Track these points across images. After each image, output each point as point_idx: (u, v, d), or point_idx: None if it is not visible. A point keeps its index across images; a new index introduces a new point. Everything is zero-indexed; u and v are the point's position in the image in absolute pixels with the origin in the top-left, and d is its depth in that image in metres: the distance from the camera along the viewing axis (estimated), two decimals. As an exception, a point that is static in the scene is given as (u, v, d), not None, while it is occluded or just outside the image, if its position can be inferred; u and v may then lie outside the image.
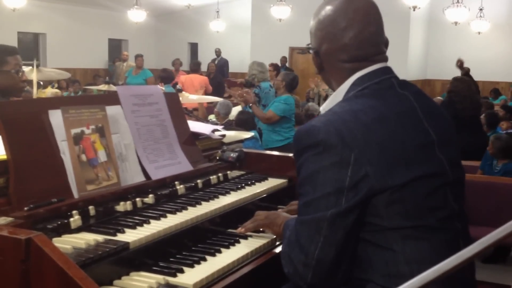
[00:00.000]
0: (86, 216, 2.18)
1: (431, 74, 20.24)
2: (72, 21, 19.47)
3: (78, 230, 2.09)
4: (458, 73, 14.12)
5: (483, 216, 5.00)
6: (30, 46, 19.26)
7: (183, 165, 2.82)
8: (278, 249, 2.29)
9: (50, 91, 10.99)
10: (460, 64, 11.51)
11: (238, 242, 2.36)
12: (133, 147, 2.63)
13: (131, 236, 2.07)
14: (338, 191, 1.79)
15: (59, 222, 2.07)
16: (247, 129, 7.11)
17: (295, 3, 17.62)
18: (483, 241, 0.93)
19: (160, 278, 1.93)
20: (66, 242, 1.95)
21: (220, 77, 16.37)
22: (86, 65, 20.15)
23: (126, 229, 2.13)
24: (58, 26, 19.24)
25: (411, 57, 18.36)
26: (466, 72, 10.71)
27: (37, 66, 5.46)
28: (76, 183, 2.28)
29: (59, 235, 2.02)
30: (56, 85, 13.90)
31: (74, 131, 2.33)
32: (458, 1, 16.34)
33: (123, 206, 2.34)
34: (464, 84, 7.75)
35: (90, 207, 2.23)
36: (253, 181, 2.99)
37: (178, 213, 2.38)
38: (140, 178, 2.60)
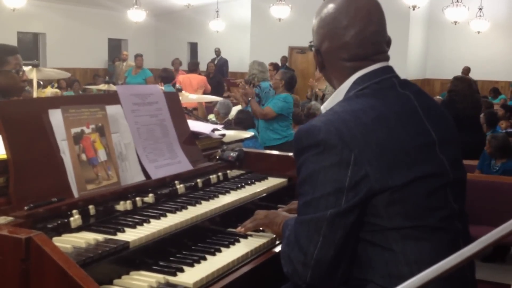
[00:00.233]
0: (86, 215, 2.18)
1: (430, 73, 20.25)
2: (72, 21, 19.46)
3: (78, 229, 2.09)
4: (457, 72, 14.13)
5: (482, 215, 4.99)
6: (30, 46, 19.26)
7: (183, 165, 2.82)
8: (277, 249, 2.30)
9: (50, 91, 10.99)
10: None
11: (238, 241, 2.36)
12: (133, 146, 2.63)
13: (131, 235, 2.07)
14: (338, 191, 1.79)
15: (59, 222, 2.07)
16: (245, 127, 7.11)
17: (295, 3, 17.62)
18: (483, 240, 0.93)
19: (160, 277, 1.94)
20: (66, 242, 1.95)
21: (219, 77, 16.38)
22: (86, 64, 20.15)
23: (126, 229, 2.13)
24: (58, 26, 19.23)
25: (411, 56, 18.36)
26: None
27: (37, 65, 5.45)
28: (76, 183, 2.28)
29: (59, 234, 2.02)
30: (56, 85, 13.90)
31: (74, 130, 2.33)
32: (457, 1, 16.36)
33: (123, 206, 2.34)
34: (465, 83, 7.75)
35: (90, 207, 2.23)
36: (253, 181, 3.00)
37: (178, 212, 2.39)
38: (140, 178, 2.60)
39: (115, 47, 21.94)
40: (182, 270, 2.01)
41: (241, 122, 7.49)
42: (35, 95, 5.44)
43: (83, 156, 2.34)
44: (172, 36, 23.07)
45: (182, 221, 2.29)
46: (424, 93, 2.10)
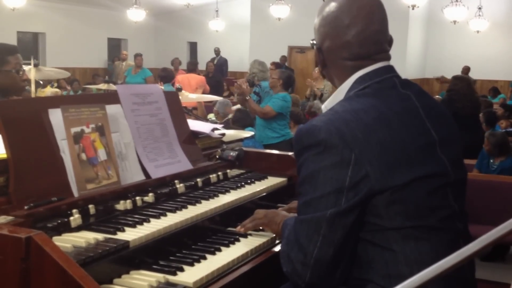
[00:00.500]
0: (86, 215, 2.19)
1: (429, 73, 20.22)
2: (72, 21, 19.46)
3: (78, 228, 2.09)
4: (457, 72, 14.12)
5: (481, 215, 5.00)
6: (30, 46, 19.25)
7: (183, 164, 2.82)
8: (277, 248, 2.30)
9: (49, 90, 10.98)
10: (441, 81, 11.43)
11: (238, 240, 2.37)
12: (133, 146, 2.63)
13: (131, 234, 2.07)
14: (338, 191, 1.79)
15: (59, 221, 2.08)
16: (244, 126, 7.12)
17: (294, 2, 17.61)
18: (483, 239, 0.94)
19: (160, 276, 1.94)
20: (66, 241, 1.95)
21: (219, 76, 16.38)
22: (86, 64, 20.14)
23: (126, 228, 2.13)
24: (58, 26, 19.23)
25: (410, 56, 18.36)
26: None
27: (37, 65, 5.45)
28: (76, 182, 2.28)
29: (59, 233, 2.02)
30: (55, 84, 13.89)
31: (74, 130, 2.33)
32: (457, 0, 16.35)
33: (123, 205, 2.34)
34: (464, 82, 7.76)
35: (90, 206, 2.23)
36: (253, 180, 3.00)
37: (178, 211, 2.39)
38: (140, 177, 2.61)
39: (115, 47, 21.93)
40: (182, 270, 2.01)
41: (239, 120, 7.49)
42: (33, 94, 5.43)
43: (83, 156, 2.34)
44: (172, 36, 23.07)
45: (182, 220, 2.29)
46: (425, 93, 2.10)
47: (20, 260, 1.71)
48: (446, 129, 2.02)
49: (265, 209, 2.46)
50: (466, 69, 16.70)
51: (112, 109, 2.56)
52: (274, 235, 2.40)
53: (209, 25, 21.19)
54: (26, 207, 2.05)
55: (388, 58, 2.05)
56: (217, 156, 3.19)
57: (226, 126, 5.23)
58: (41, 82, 6.61)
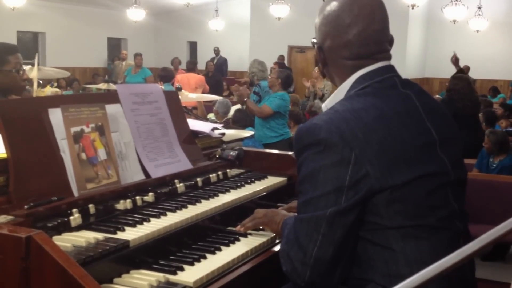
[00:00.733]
0: (86, 214, 2.19)
1: (429, 72, 20.24)
2: (71, 20, 19.45)
3: (78, 228, 2.09)
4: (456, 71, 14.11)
5: (481, 214, 5.00)
6: (30, 45, 19.25)
7: (183, 164, 2.82)
8: (277, 248, 2.30)
9: (49, 90, 10.98)
10: (455, 59, 11.42)
11: (238, 240, 2.37)
12: (133, 145, 2.63)
13: (131, 234, 2.07)
14: (338, 190, 1.79)
15: (59, 220, 2.08)
16: (244, 125, 7.12)
17: (294, 2, 17.61)
18: (483, 238, 0.94)
19: (160, 276, 1.94)
20: (66, 240, 1.95)
21: (219, 76, 16.38)
22: (86, 64, 20.15)
23: (126, 227, 2.13)
24: (58, 25, 19.23)
25: (410, 55, 18.36)
26: (461, 70, 10.58)
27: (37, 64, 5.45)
28: (76, 182, 2.28)
29: (59, 233, 2.03)
30: (55, 84, 13.89)
31: (74, 129, 2.33)
32: (456, 0, 16.36)
33: (123, 205, 2.34)
34: (464, 82, 7.76)
35: (90, 206, 2.23)
36: (253, 179, 3.00)
37: (178, 211, 2.39)
38: (140, 177, 2.61)
39: (115, 46, 21.93)
40: (182, 269, 2.01)
41: (239, 120, 7.49)
42: (35, 87, 5.41)
43: (83, 155, 2.34)
44: (172, 35, 23.07)
45: (182, 220, 2.29)
46: (426, 93, 2.10)
47: (20, 259, 1.71)
48: (446, 129, 2.02)
49: (265, 209, 2.46)
50: (466, 69, 16.69)
51: (112, 109, 2.56)
52: (274, 234, 2.40)
53: (209, 25, 21.19)
54: (26, 207, 2.05)
55: (388, 57, 2.05)
56: (217, 156, 3.19)
57: (226, 126, 5.23)
58: (41, 82, 6.60)
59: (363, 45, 1.99)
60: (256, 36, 20.05)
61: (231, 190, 2.78)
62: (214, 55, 19.61)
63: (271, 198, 2.91)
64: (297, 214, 1.92)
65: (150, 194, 2.48)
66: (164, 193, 2.56)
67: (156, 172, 2.66)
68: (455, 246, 1.84)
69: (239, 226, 2.43)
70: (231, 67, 20.33)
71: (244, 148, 3.33)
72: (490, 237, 0.93)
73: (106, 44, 21.60)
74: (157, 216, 2.29)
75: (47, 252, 1.69)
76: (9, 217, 1.98)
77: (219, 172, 2.97)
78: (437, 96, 12.09)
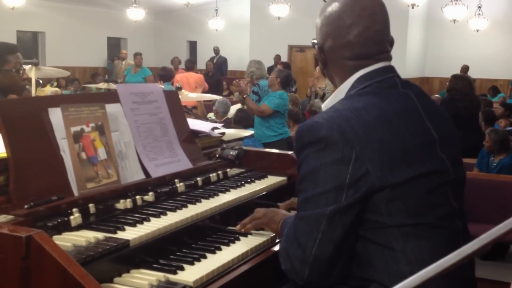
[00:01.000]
0: (86, 214, 2.19)
1: (429, 72, 20.24)
2: (71, 20, 19.45)
3: (78, 227, 2.09)
4: (456, 71, 14.13)
5: (481, 214, 5.01)
6: (29, 45, 19.25)
7: (183, 163, 2.82)
8: (277, 247, 2.29)
9: (49, 90, 10.99)
10: None
11: (238, 239, 2.37)
12: (133, 145, 2.63)
13: (131, 233, 2.07)
14: (338, 188, 1.79)
15: (59, 220, 2.08)
16: (245, 126, 7.12)
17: (294, 2, 17.61)
18: (483, 238, 0.94)
19: (160, 275, 1.94)
20: (67, 240, 1.95)
21: (218, 76, 16.38)
22: (85, 63, 20.15)
23: (126, 227, 2.13)
24: (57, 25, 19.23)
25: (410, 55, 18.36)
26: None
27: (37, 64, 5.45)
28: (76, 181, 2.28)
29: (59, 232, 2.03)
30: (55, 84, 13.89)
31: (74, 129, 2.33)
32: (456, -1, 16.38)
33: (123, 204, 2.34)
34: (464, 81, 7.76)
35: (90, 205, 2.23)
36: (253, 179, 3.00)
37: (178, 210, 2.39)
38: (140, 176, 2.61)
39: (114, 46, 21.93)
40: (182, 268, 2.01)
41: (240, 120, 7.49)
42: (33, 86, 5.41)
43: (83, 155, 2.34)
44: (172, 35, 23.07)
45: (182, 219, 2.29)
46: (425, 94, 2.11)
47: (20, 259, 1.71)
48: (446, 129, 2.03)
49: (265, 208, 2.46)
50: (465, 68, 16.70)
51: (112, 108, 2.56)
52: (274, 234, 2.40)
53: (209, 24, 21.19)
54: (26, 206, 2.04)
55: (389, 58, 2.06)
56: (217, 155, 3.19)
57: (226, 125, 5.23)
58: (41, 82, 6.61)
59: (364, 46, 1.99)
60: (256, 36, 20.06)
61: (231, 190, 2.78)
62: (214, 55, 19.61)
63: (271, 197, 2.91)
64: (297, 212, 1.92)
65: (150, 193, 2.48)
66: (164, 192, 2.56)
67: (156, 172, 2.66)
68: (455, 245, 1.85)
69: (239, 226, 2.43)
70: (231, 66, 20.33)
71: (244, 148, 3.33)
72: (490, 236, 0.93)
73: (106, 44, 21.60)
74: (157, 215, 2.29)
75: (47, 252, 1.69)
76: (9, 217, 1.98)
77: (219, 172, 2.97)
78: (436, 95, 12.08)
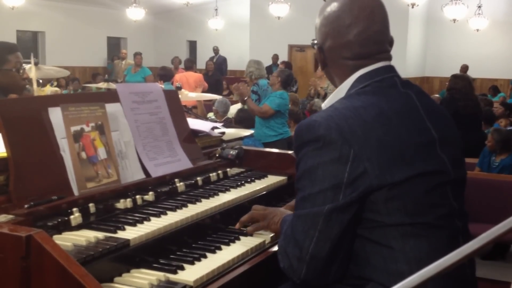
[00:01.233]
0: (86, 213, 2.18)
1: (429, 71, 20.25)
2: (71, 19, 19.46)
3: (78, 227, 2.09)
4: (456, 70, 14.12)
5: (481, 213, 5.01)
6: (29, 45, 19.25)
7: (183, 163, 2.82)
8: (277, 247, 2.29)
9: (49, 89, 10.99)
10: None
11: (238, 239, 2.37)
12: (133, 144, 2.63)
13: (131, 233, 2.07)
14: (336, 186, 1.79)
15: (60, 220, 2.07)
16: (247, 126, 7.12)
17: (293, 1, 17.63)
18: (483, 237, 0.94)
19: (160, 275, 1.94)
20: (67, 239, 1.95)
21: (218, 75, 16.39)
22: (85, 63, 20.15)
23: (126, 226, 2.13)
24: (57, 24, 19.24)
25: (410, 54, 18.37)
26: None
27: (36, 64, 5.44)
28: (76, 181, 2.28)
29: (60, 232, 2.02)
30: (55, 83, 13.89)
31: (74, 128, 2.33)
32: (456, -1, 16.39)
33: (123, 204, 2.34)
34: (465, 81, 7.77)
35: (90, 205, 2.23)
36: (253, 179, 3.00)
37: (178, 210, 2.39)
38: (140, 176, 2.61)
39: (114, 46, 21.95)
40: (182, 268, 2.01)
41: (242, 121, 7.49)
42: (35, 86, 5.40)
43: (83, 154, 2.34)
44: (171, 35, 23.08)
45: (182, 219, 2.29)
46: (425, 94, 2.11)
47: (20, 258, 1.71)
48: (446, 129, 2.03)
49: (263, 206, 2.46)
50: (465, 68, 16.71)
51: (111, 108, 2.56)
52: (274, 234, 2.40)
53: (209, 24, 21.20)
54: (26, 206, 2.04)
55: (389, 58, 2.06)
56: (217, 155, 3.19)
57: (226, 125, 5.23)
58: (41, 81, 6.61)
59: (363, 45, 2.00)
60: (255, 35, 20.07)
61: (231, 189, 2.78)
62: (213, 54, 19.61)
63: (271, 197, 2.91)
64: (295, 210, 1.92)
65: (150, 193, 2.48)
66: (164, 192, 2.56)
67: (156, 171, 2.66)
68: (455, 245, 1.85)
69: (238, 224, 2.43)
70: (231, 66, 20.33)
71: (244, 147, 3.33)
72: (490, 236, 0.93)
73: (106, 43, 21.62)
74: (157, 215, 2.29)
75: (47, 251, 1.69)
76: (9, 216, 1.98)
77: (219, 171, 2.97)
78: (436, 95, 12.08)
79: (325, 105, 2.09)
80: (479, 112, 7.80)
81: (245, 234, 2.41)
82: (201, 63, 19.23)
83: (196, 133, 3.15)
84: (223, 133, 3.43)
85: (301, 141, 1.89)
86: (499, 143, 6.27)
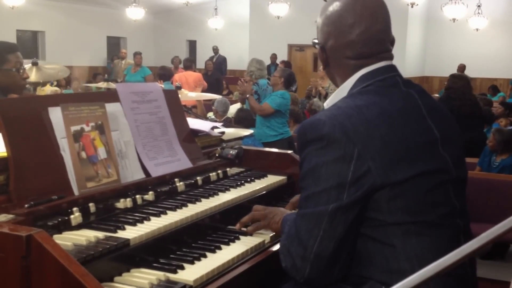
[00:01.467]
0: (86, 213, 2.19)
1: (429, 71, 20.26)
2: (71, 19, 19.46)
3: (78, 227, 2.09)
4: (455, 70, 14.12)
5: (482, 213, 5.01)
6: (29, 44, 19.25)
7: (183, 162, 2.83)
8: (277, 246, 2.29)
9: (49, 89, 10.99)
10: None
11: (238, 239, 2.37)
12: (133, 144, 2.63)
13: (131, 233, 2.08)
14: (340, 185, 1.79)
15: (60, 219, 2.08)
16: (246, 126, 7.12)
17: (293, 1, 17.62)
18: (483, 237, 0.94)
19: (160, 274, 1.94)
20: (67, 239, 1.95)
21: (218, 75, 16.39)
22: (85, 62, 20.14)
23: (126, 226, 2.13)
24: (57, 24, 19.24)
25: (409, 54, 18.37)
26: None
27: (36, 63, 5.44)
28: (76, 180, 2.28)
29: (60, 232, 2.03)
30: (55, 83, 13.88)
31: (74, 128, 2.33)
32: (456, -2, 16.39)
33: (123, 203, 2.34)
34: (463, 80, 7.77)
35: (91, 204, 2.23)
36: (253, 178, 3.00)
37: (178, 210, 2.39)
38: (140, 175, 2.61)
39: (114, 45, 21.94)
40: (182, 268, 2.02)
41: (241, 121, 7.49)
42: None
43: (83, 154, 2.34)
44: (171, 34, 23.07)
45: (182, 218, 2.29)
46: (427, 93, 2.11)
47: (20, 258, 1.71)
48: (448, 128, 2.03)
49: (263, 206, 2.46)
50: (462, 67, 16.70)
51: (111, 108, 2.56)
52: (274, 233, 2.40)
53: (208, 23, 21.20)
54: (26, 206, 2.05)
55: (390, 57, 2.06)
56: (217, 155, 3.19)
57: (226, 125, 5.23)
58: (41, 81, 6.61)
59: (365, 45, 2.00)
60: (255, 35, 20.07)
61: (231, 189, 2.78)
62: (213, 54, 19.61)
63: (271, 196, 2.92)
64: (299, 209, 1.93)
65: (150, 193, 2.48)
66: (164, 191, 2.57)
67: (156, 171, 2.66)
68: (456, 244, 1.86)
69: (238, 224, 2.43)
70: (231, 65, 20.33)
71: (244, 147, 3.33)
72: (490, 236, 0.94)
73: (106, 43, 21.62)
74: (157, 214, 2.30)
75: (47, 251, 1.69)
76: (10, 216, 1.98)
77: (219, 171, 2.97)
78: (436, 95, 12.09)
79: (327, 104, 2.09)
80: (477, 112, 7.80)
81: (245, 234, 2.41)
82: (200, 63, 19.23)
83: (196, 132, 3.15)
84: (223, 132, 3.43)
85: (305, 140, 1.89)
86: (501, 143, 6.27)
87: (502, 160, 6.26)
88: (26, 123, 2.24)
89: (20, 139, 2.18)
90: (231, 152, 3.19)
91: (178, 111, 3.01)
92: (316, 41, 2.15)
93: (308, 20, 15.17)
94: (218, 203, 2.54)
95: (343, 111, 1.87)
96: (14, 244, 1.72)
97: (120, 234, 2.06)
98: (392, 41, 2.09)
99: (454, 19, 17.04)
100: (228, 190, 2.76)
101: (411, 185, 1.83)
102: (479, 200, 5.29)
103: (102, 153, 2.42)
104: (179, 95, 3.24)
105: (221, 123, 4.49)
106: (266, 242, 2.38)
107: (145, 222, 2.21)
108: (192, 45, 23.48)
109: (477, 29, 18.03)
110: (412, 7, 16.27)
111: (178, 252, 2.19)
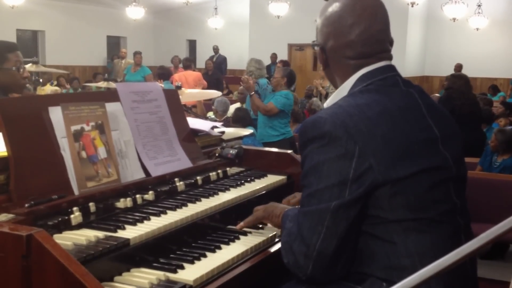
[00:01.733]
0: (86, 212, 2.19)
1: (429, 70, 20.25)
2: (71, 18, 19.46)
3: (78, 226, 2.09)
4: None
5: (482, 213, 5.00)
6: (29, 44, 19.25)
7: (183, 162, 2.83)
8: (277, 246, 2.30)
9: (49, 89, 10.99)
10: None
11: (238, 238, 2.37)
12: (133, 143, 2.63)
13: (131, 232, 2.08)
14: (342, 183, 1.80)
15: (60, 219, 2.07)
16: (244, 125, 7.12)
17: (293, 0, 17.62)
18: (482, 237, 0.94)
19: (160, 274, 1.94)
20: (67, 239, 1.95)
21: (218, 74, 16.39)
22: (85, 62, 20.15)
23: (126, 226, 2.13)
24: (57, 24, 19.24)
25: (409, 53, 18.36)
26: None
27: (36, 63, 5.45)
28: (77, 180, 2.28)
29: (60, 231, 2.03)
30: (55, 83, 13.89)
31: (74, 127, 2.33)
32: (456, -2, 16.39)
33: (123, 203, 2.34)
34: (462, 80, 7.78)
35: (91, 204, 2.23)
36: (253, 178, 3.00)
37: (178, 209, 2.39)
38: (140, 175, 2.61)
39: (114, 45, 21.95)
40: (182, 267, 2.02)
41: (239, 120, 7.49)
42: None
43: (83, 154, 2.34)
44: (171, 34, 23.07)
45: (182, 218, 2.29)
46: (426, 93, 2.13)
47: (21, 257, 1.71)
48: (447, 127, 2.05)
49: (264, 205, 2.46)
50: (459, 67, 16.70)
51: (111, 107, 2.56)
52: (274, 233, 2.40)
53: (208, 23, 21.21)
54: (26, 205, 2.05)
55: (390, 57, 2.08)
56: (217, 154, 3.19)
57: (226, 124, 5.23)
58: (41, 81, 6.62)
59: (365, 45, 2.01)
60: (255, 34, 20.07)
61: (231, 189, 2.78)
62: (213, 54, 19.61)
63: (271, 196, 2.91)
64: (301, 207, 1.93)
65: (150, 192, 2.48)
66: (164, 191, 2.57)
67: (156, 171, 2.66)
68: (456, 241, 1.87)
69: (238, 226, 2.43)
70: (231, 65, 20.33)
71: (244, 147, 3.33)
72: (490, 235, 0.94)
73: (106, 43, 21.62)
74: (157, 214, 2.30)
75: (48, 250, 1.69)
76: (10, 215, 1.98)
77: (219, 171, 2.97)
78: (436, 95, 12.09)
79: (327, 104, 2.10)
80: (477, 111, 7.81)
81: (245, 234, 2.41)
82: (201, 62, 19.25)
83: (196, 132, 3.15)
84: (223, 132, 3.43)
85: (307, 138, 1.90)
86: (502, 144, 6.27)
87: (503, 160, 6.26)
88: (27, 123, 2.24)
89: (21, 139, 2.18)
90: (231, 151, 3.19)
91: (178, 111, 3.01)
92: (315, 42, 2.15)
93: (308, 19, 15.16)
94: (218, 203, 2.54)
95: (344, 109, 1.88)
96: (14, 243, 1.72)
97: (120, 233, 2.06)
98: (391, 42, 2.11)
99: (454, 19, 17.05)
100: (228, 189, 2.76)
101: (412, 182, 1.83)
102: (480, 200, 5.28)
103: (102, 152, 2.42)
104: (180, 95, 3.24)
105: (221, 123, 4.49)
106: (266, 242, 2.38)
107: (145, 221, 2.21)
108: (192, 44, 23.48)
109: (477, 29, 18.03)
110: (412, 6, 16.27)
111: (178, 252, 2.19)
